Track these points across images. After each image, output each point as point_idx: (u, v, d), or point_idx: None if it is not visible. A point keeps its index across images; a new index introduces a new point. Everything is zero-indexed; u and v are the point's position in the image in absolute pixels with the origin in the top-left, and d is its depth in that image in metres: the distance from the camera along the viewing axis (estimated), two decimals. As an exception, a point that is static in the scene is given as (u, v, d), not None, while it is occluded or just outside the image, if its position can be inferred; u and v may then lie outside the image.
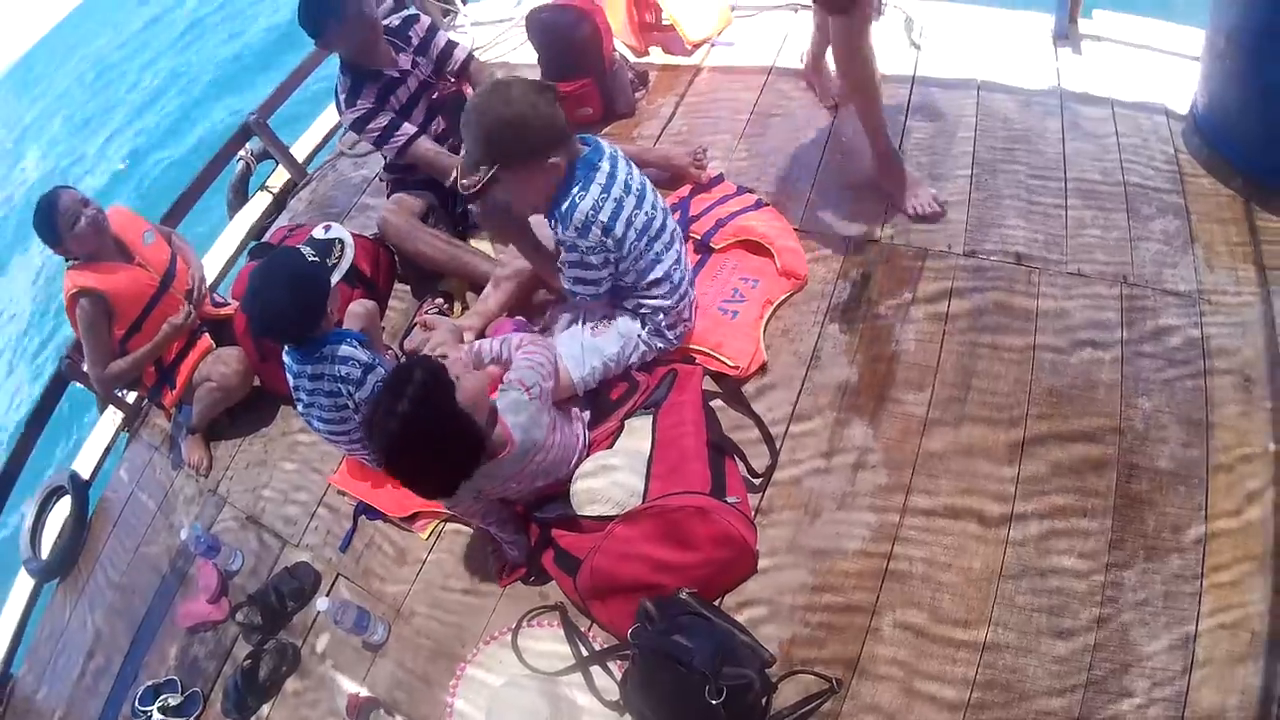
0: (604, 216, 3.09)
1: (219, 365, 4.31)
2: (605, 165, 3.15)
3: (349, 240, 4.16)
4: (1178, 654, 2.47)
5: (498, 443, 2.82)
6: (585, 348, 3.39)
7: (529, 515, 3.30)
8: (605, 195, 3.10)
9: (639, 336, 3.45)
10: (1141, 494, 2.80)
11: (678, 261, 3.40)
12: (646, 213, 3.22)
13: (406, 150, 4.50)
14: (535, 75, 4.89)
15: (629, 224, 3.16)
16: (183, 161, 14.81)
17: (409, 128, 4.45)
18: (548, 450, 3.06)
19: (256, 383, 4.49)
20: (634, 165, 3.32)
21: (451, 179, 3.82)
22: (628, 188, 3.18)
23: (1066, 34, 4.51)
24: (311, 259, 3.42)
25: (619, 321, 3.44)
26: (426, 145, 4.50)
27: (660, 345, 3.52)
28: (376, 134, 4.46)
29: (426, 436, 2.60)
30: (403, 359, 3.98)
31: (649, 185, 3.33)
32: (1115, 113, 4.05)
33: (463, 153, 3.27)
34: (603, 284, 3.30)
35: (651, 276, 3.32)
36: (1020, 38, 4.62)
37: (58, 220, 3.98)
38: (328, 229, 4.25)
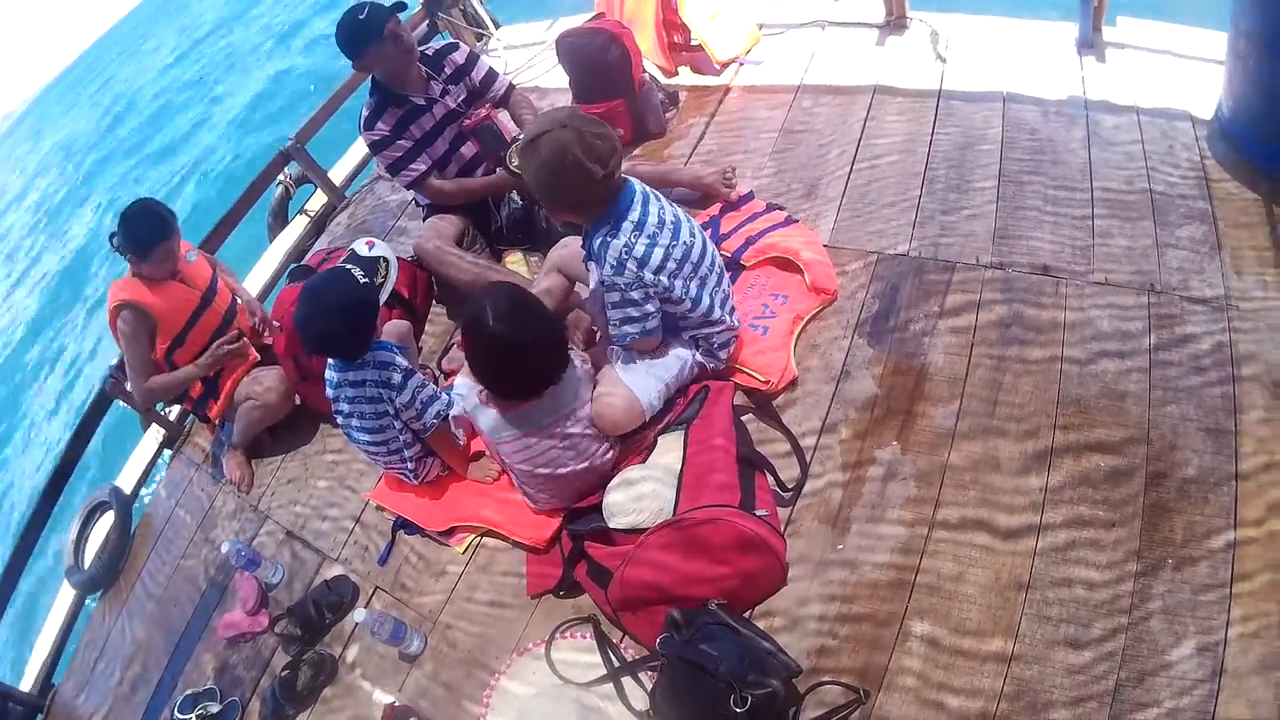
0: (638, 254, 3.13)
1: (258, 385, 4.39)
2: (637, 204, 3.19)
3: (393, 258, 4.23)
4: (1203, 662, 2.45)
5: None
6: (648, 371, 3.43)
7: (563, 528, 3.38)
8: (638, 234, 3.14)
9: (693, 357, 3.50)
10: (1167, 502, 2.78)
11: (719, 283, 3.44)
12: (684, 243, 3.24)
13: (417, 185, 4.62)
14: (568, 98, 4.98)
15: (667, 256, 3.18)
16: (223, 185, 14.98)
17: (422, 163, 4.55)
18: (583, 418, 3.30)
19: (298, 402, 4.57)
20: (664, 199, 3.34)
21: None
22: (660, 223, 3.20)
23: (1091, 42, 4.50)
24: (362, 279, 3.48)
25: (674, 347, 3.48)
26: (435, 182, 4.60)
27: (712, 365, 3.57)
28: (389, 162, 4.57)
29: (538, 329, 3.10)
30: (440, 378, 4.04)
31: (682, 215, 3.35)
32: (1140, 120, 4.05)
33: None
34: (649, 320, 3.30)
35: (703, 305, 3.35)
36: (1045, 47, 4.63)
37: (155, 243, 4.10)
38: (371, 246, 4.31)
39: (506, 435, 3.28)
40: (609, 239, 3.15)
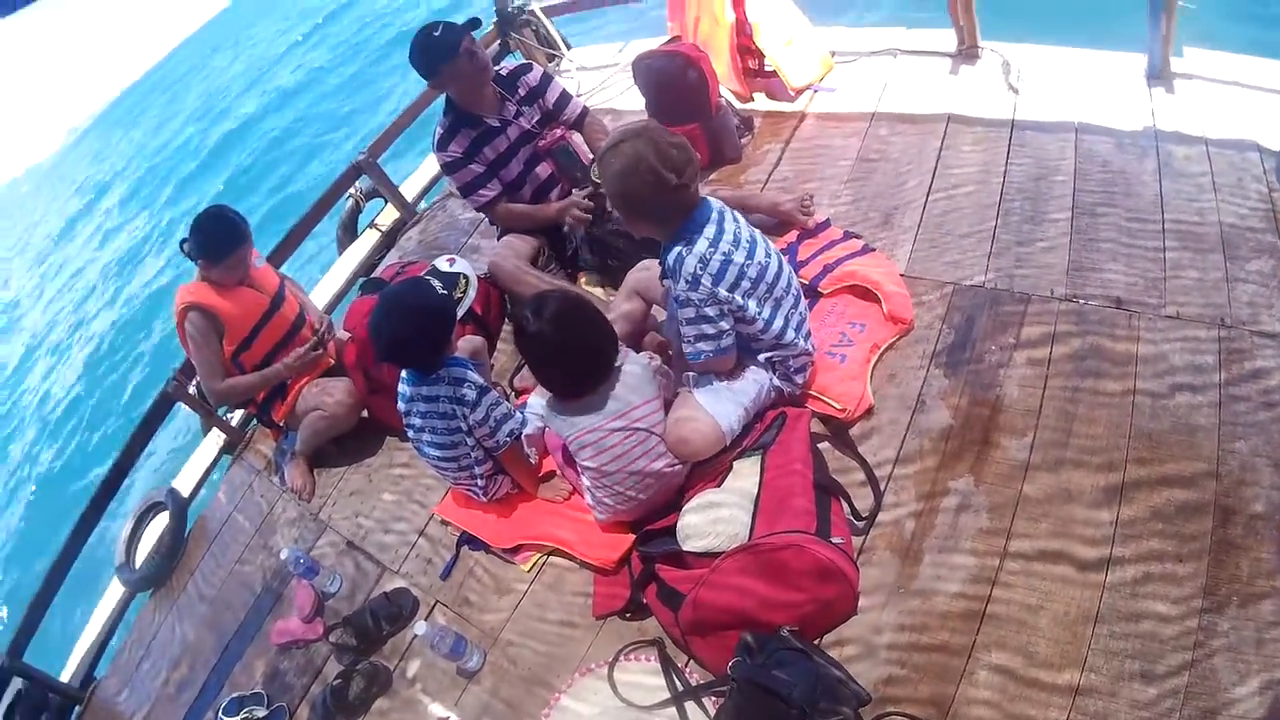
0: (713, 269, 3.13)
1: (327, 395, 4.40)
2: (713, 221, 3.19)
3: (473, 276, 4.23)
4: (1266, 699, 2.42)
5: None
6: (726, 396, 3.39)
7: (634, 550, 3.37)
8: (713, 249, 3.13)
9: (770, 380, 3.47)
10: (1236, 539, 2.76)
11: (796, 305, 3.42)
12: (760, 262, 3.23)
13: (488, 209, 4.68)
14: (642, 120, 5.01)
15: (741, 275, 3.17)
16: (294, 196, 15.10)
17: (493, 187, 4.59)
18: (647, 415, 3.32)
19: (365, 414, 4.57)
20: (741, 219, 3.34)
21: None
22: (736, 241, 3.19)
23: (1159, 73, 4.48)
24: (441, 291, 3.49)
25: (750, 370, 3.44)
26: (505, 207, 4.65)
27: (788, 390, 3.54)
28: (461, 184, 4.60)
29: (580, 324, 3.22)
30: (512, 395, 4.04)
31: (759, 236, 3.34)
32: (1209, 151, 4.02)
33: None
34: (724, 338, 3.28)
35: (776, 326, 3.33)
36: (1114, 78, 4.61)
37: (229, 250, 4.20)
38: (452, 262, 4.32)
39: (573, 432, 3.28)
40: (684, 254, 3.15)
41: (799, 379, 3.53)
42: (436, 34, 4.25)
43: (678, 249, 3.18)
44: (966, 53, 5.12)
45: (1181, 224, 3.76)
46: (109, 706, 4.32)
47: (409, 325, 3.42)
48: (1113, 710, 2.52)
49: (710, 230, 3.15)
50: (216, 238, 4.16)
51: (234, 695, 3.76)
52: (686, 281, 3.15)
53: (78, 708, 4.43)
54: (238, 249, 4.17)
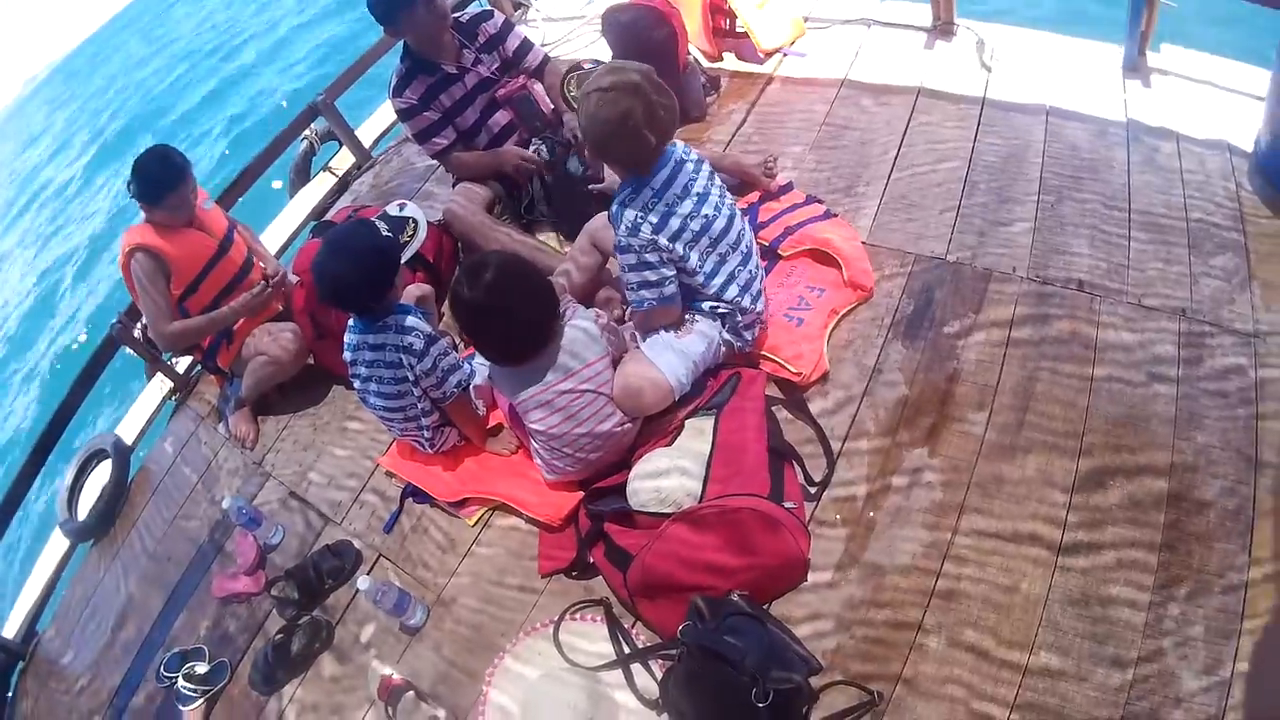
0: (653, 218, 3.13)
1: (272, 340, 4.31)
2: (665, 172, 3.17)
3: (423, 220, 4.15)
4: (1214, 695, 2.44)
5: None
6: (674, 349, 3.37)
7: (582, 507, 3.33)
8: (656, 199, 3.14)
9: (720, 334, 3.44)
10: (1190, 529, 2.77)
11: (745, 262, 3.38)
12: (706, 215, 3.22)
13: (442, 156, 4.62)
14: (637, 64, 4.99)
15: (684, 226, 3.17)
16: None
17: (447, 136, 4.53)
18: (594, 376, 3.27)
19: (310, 361, 4.49)
20: (705, 168, 3.32)
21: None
22: (686, 191, 3.19)
23: (1136, 66, 4.48)
24: (385, 233, 3.42)
25: (700, 323, 3.42)
26: (459, 156, 4.59)
27: (738, 345, 3.51)
28: (416, 131, 4.54)
29: (515, 291, 3.12)
30: (460, 346, 3.98)
31: (717, 189, 3.32)
32: (1180, 146, 4.02)
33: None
34: (666, 285, 3.26)
35: (720, 277, 3.31)
36: (1090, 66, 4.60)
37: (167, 189, 4.07)
38: (402, 207, 4.25)
39: (519, 395, 3.25)
40: (627, 202, 3.16)
41: (748, 335, 3.50)
42: None
43: (623, 195, 3.19)
44: (941, 28, 5.08)
45: (1149, 215, 3.76)
46: (52, 662, 4.24)
47: (350, 266, 3.35)
48: (1064, 690, 2.54)
49: (660, 180, 3.15)
50: (154, 177, 4.04)
51: (176, 650, 3.70)
52: (627, 228, 3.16)
53: (20, 663, 4.34)
54: (176, 189, 4.06)
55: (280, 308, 4.57)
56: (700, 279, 3.28)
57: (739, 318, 3.42)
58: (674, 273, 3.25)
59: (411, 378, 3.47)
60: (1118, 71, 4.51)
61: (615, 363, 3.39)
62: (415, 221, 4.09)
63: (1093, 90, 4.43)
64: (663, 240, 3.14)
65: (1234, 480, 2.85)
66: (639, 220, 3.13)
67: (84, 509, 4.73)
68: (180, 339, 4.34)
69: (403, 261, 3.48)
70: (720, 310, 3.40)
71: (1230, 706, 2.40)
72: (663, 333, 3.41)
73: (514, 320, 3.13)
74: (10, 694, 4.25)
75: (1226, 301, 3.35)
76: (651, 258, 3.19)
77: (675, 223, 3.15)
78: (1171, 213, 3.74)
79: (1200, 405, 3.07)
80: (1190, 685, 2.46)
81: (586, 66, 3.71)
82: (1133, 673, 2.51)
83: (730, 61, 5.42)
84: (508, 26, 4.66)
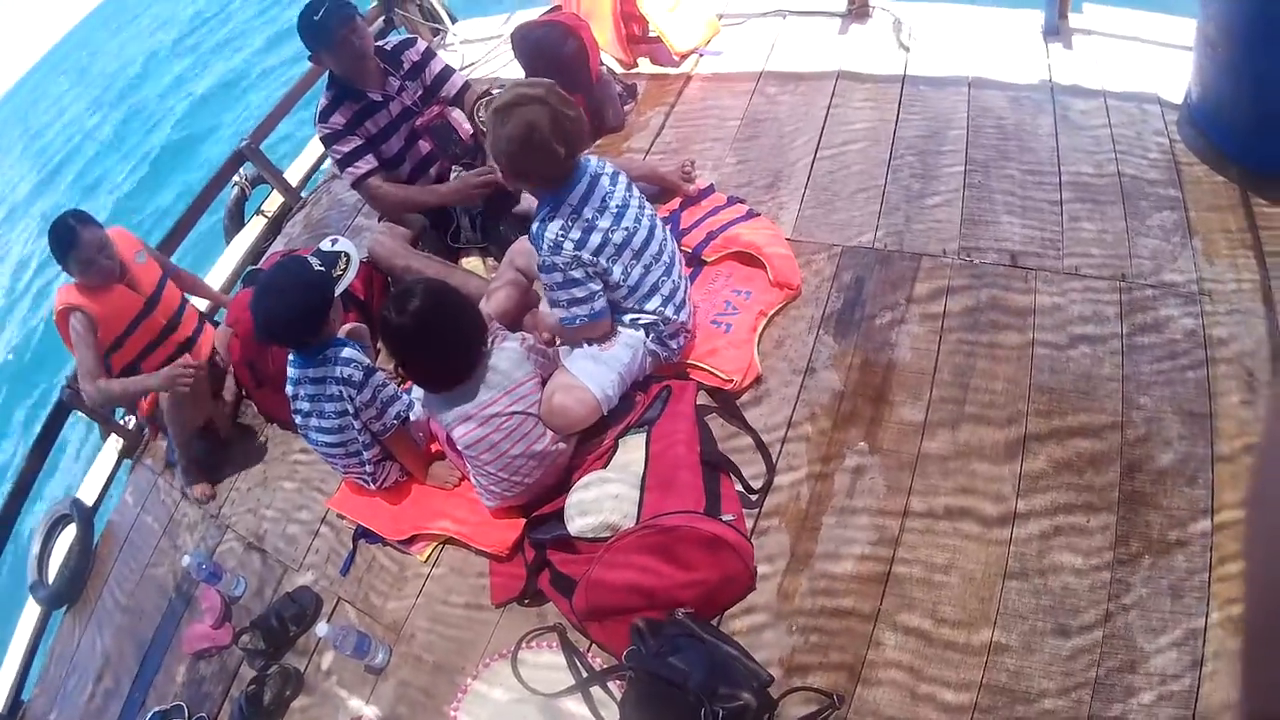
0: (574, 235, 3.14)
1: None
2: (581, 187, 3.18)
3: (354, 253, 4.14)
4: (1186, 650, 2.44)
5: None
6: (599, 362, 3.38)
7: (525, 536, 3.35)
8: (575, 216, 3.15)
9: (645, 344, 3.45)
10: (1144, 491, 2.77)
11: (668, 273, 3.39)
12: (627, 228, 3.23)
13: (360, 183, 4.57)
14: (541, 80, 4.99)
15: (605, 241, 3.18)
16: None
17: (368, 162, 4.50)
18: (523, 397, 3.29)
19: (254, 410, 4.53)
20: (622, 180, 3.32)
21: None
22: (604, 207, 3.20)
23: (1057, 29, 4.50)
24: (318, 268, 3.44)
25: (623, 334, 3.43)
26: (378, 184, 4.56)
27: (664, 354, 3.52)
28: (339, 157, 4.52)
29: (442, 316, 3.15)
30: (399, 380, 3.99)
31: (636, 201, 3.33)
32: (1108, 105, 4.04)
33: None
34: (595, 300, 3.28)
35: (643, 289, 3.33)
36: (1010, 35, 4.62)
37: (71, 257, 4.16)
38: (334, 242, 4.25)
39: (451, 419, 3.27)
40: (547, 220, 3.18)
41: (674, 344, 3.52)
42: (317, 17, 4.17)
43: (542, 214, 3.20)
44: (857, 12, 5.10)
45: (1080, 177, 3.78)
46: (40, 728, 4.24)
47: (285, 301, 3.40)
48: (1027, 666, 2.54)
49: (577, 195, 3.17)
50: (54, 244, 4.20)
51: (156, 710, 3.70)
52: (549, 247, 3.17)
53: None
54: (70, 252, 4.16)
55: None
56: (624, 292, 3.30)
57: (663, 327, 3.43)
58: (601, 287, 3.27)
59: (351, 410, 3.49)
60: (1039, 37, 4.54)
61: (544, 383, 3.41)
62: (347, 255, 4.08)
63: (1015, 58, 4.46)
64: (585, 255, 3.16)
65: (1185, 438, 2.86)
66: (560, 238, 3.14)
67: (54, 574, 4.73)
68: (99, 398, 4.37)
69: (336, 293, 3.48)
70: (643, 321, 3.41)
71: (1207, 657, 2.41)
72: (585, 345, 3.43)
73: (442, 344, 3.16)
74: (3, 765, 4.24)
75: (1166, 258, 3.37)
76: (577, 274, 3.20)
77: (596, 238, 3.16)
78: (1103, 173, 3.76)
79: (1145, 368, 3.08)
80: (1156, 644, 2.47)
81: (495, 92, 3.72)
82: (1099, 639, 2.52)
83: (645, 66, 5.43)
84: (429, 54, 4.66)
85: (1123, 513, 2.74)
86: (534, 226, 3.24)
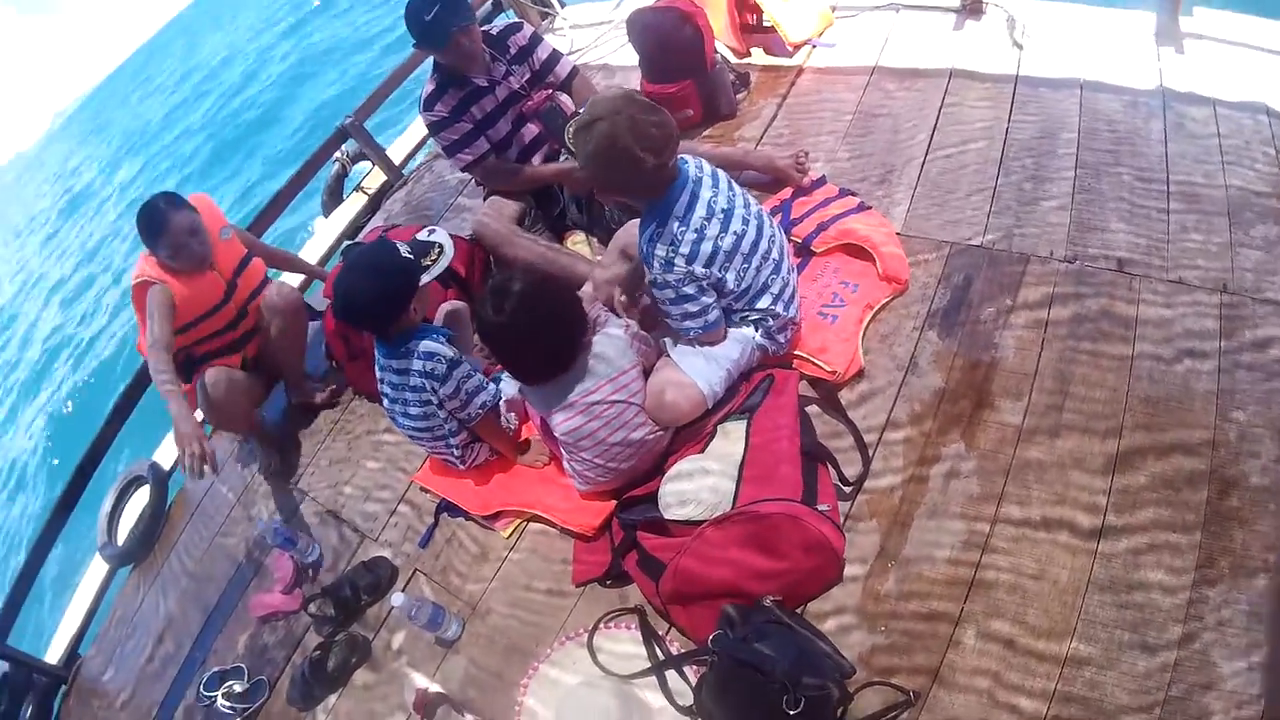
0: (684, 250, 3.04)
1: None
2: (686, 193, 3.07)
3: (449, 246, 4.08)
4: (1257, 676, 2.37)
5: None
6: (708, 359, 3.31)
7: (614, 517, 3.30)
8: (683, 228, 3.04)
9: (754, 340, 3.37)
10: (1233, 510, 2.69)
11: (777, 270, 3.30)
12: (735, 232, 3.12)
13: (473, 168, 4.57)
14: (636, 78, 4.99)
15: (716, 250, 3.08)
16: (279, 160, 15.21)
17: (479, 146, 4.48)
18: (625, 386, 3.21)
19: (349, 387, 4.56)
20: (722, 181, 3.22)
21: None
22: (710, 214, 3.09)
23: (1168, 32, 4.38)
24: (406, 255, 3.39)
25: (733, 331, 3.36)
26: (491, 166, 4.55)
27: (773, 348, 3.44)
28: (447, 144, 4.50)
29: (540, 314, 3.06)
30: (491, 361, 3.95)
31: (740, 199, 3.22)
32: (1217, 113, 3.92)
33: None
34: (710, 312, 3.20)
35: (754, 289, 3.24)
36: (1122, 36, 4.49)
37: (161, 241, 4.01)
38: (431, 232, 4.21)
39: (548, 409, 3.22)
40: (655, 238, 3.08)
41: (782, 338, 3.42)
42: (428, 18, 4.13)
43: (649, 233, 3.11)
44: (971, 8, 4.97)
45: (1187, 186, 3.65)
46: (93, 685, 4.27)
47: (365, 284, 3.36)
48: (1103, 681, 2.48)
49: (681, 206, 3.06)
50: (142, 229, 4.05)
51: (215, 670, 3.71)
52: (661, 265, 3.08)
53: (63, 687, 4.37)
54: (158, 238, 4.01)
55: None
56: (735, 295, 3.22)
57: (772, 322, 3.35)
58: (714, 298, 3.19)
59: (435, 400, 3.45)
60: (1151, 40, 4.41)
61: (646, 372, 3.34)
62: (440, 247, 4.03)
63: (1126, 61, 4.34)
64: (698, 269, 3.07)
65: (1275, 458, 2.76)
66: (671, 254, 3.05)
67: (123, 534, 4.77)
68: (154, 370, 4.04)
69: (422, 284, 3.42)
70: (753, 318, 3.34)
71: (1270, 689, 2.34)
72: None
73: (541, 341, 3.09)
74: (54, 717, 4.29)
75: (1269, 273, 3.26)
76: (690, 289, 3.12)
77: (707, 248, 3.06)
78: (1211, 183, 3.64)
79: (1241, 382, 2.98)
80: (1229, 668, 2.40)
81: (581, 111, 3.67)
82: (1176, 658, 2.45)
83: (759, 57, 5.35)
84: (536, 38, 4.62)
85: (1208, 532, 2.66)
86: (642, 246, 3.17)
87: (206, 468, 3.50)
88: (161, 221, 3.98)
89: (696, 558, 2.80)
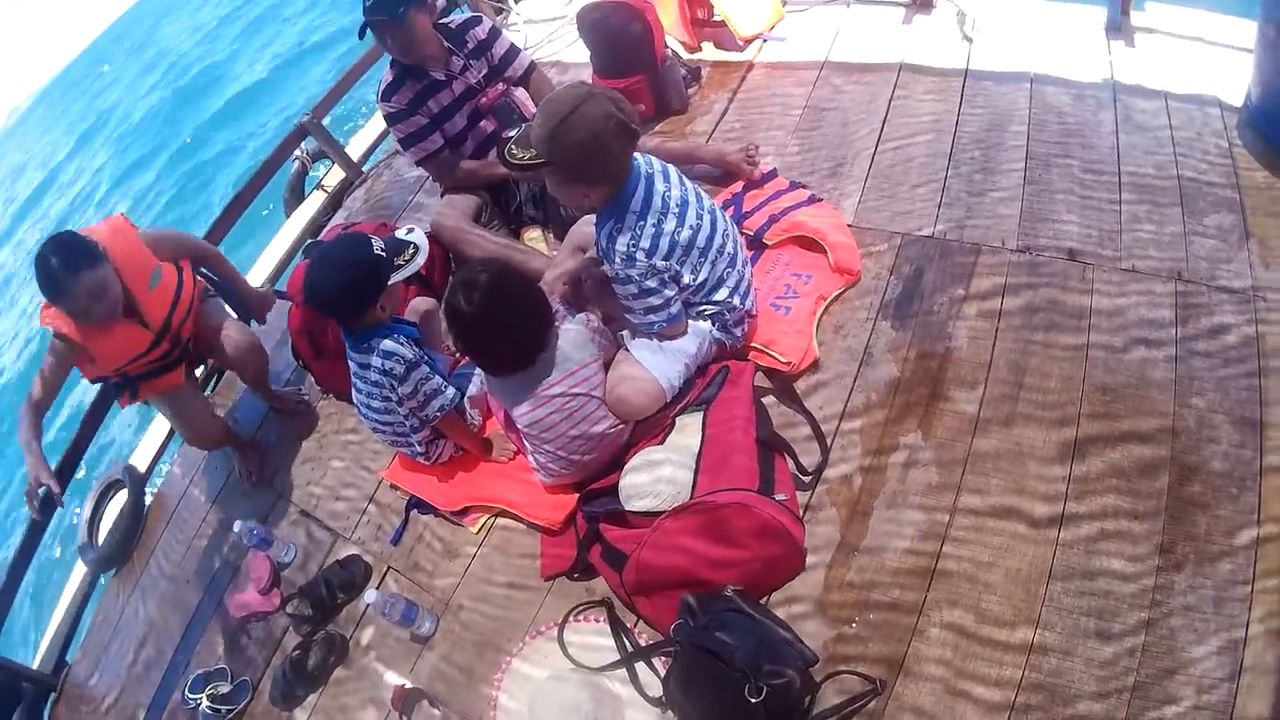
0: (644, 244, 3.08)
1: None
2: (640, 189, 3.10)
3: (424, 246, 4.11)
4: (1225, 660, 2.41)
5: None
6: (666, 353, 3.36)
7: (578, 510, 3.34)
8: (641, 223, 3.08)
9: (711, 333, 3.43)
10: (1193, 496, 2.73)
11: (732, 264, 3.36)
12: (691, 226, 3.17)
13: (428, 163, 4.60)
14: (589, 73, 4.99)
15: (673, 244, 3.12)
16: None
17: (434, 141, 4.51)
18: (585, 379, 3.28)
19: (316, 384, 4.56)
20: (674, 176, 3.26)
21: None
22: (665, 208, 3.12)
23: (1119, 26, 4.44)
24: (379, 251, 3.43)
25: (690, 325, 3.41)
26: (445, 159, 4.58)
27: (729, 341, 3.50)
28: (403, 135, 4.52)
29: (510, 305, 3.11)
30: (458, 357, 4.01)
31: (693, 193, 3.26)
32: (1169, 105, 3.98)
33: (523, 129, 3.14)
34: (671, 305, 3.24)
35: (710, 283, 3.30)
36: (1072, 31, 4.56)
37: (59, 303, 3.62)
38: (410, 231, 4.25)
39: (511, 400, 3.28)
40: (614, 233, 3.11)
41: (738, 331, 3.49)
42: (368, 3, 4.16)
43: (607, 228, 3.14)
44: (920, 2, 5.04)
45: (1139, 177, 3.72)
46: (82, 691, 4.30)
47: (336, 274, 3.36)
48: (1068, 669, 2.52)
49: (638, 201, 3.09)
50: (40, 284, 3.57)
51: (199, 672, 3.76)
52: (621, 260, 3.11)
53: (52, 694, 4.40)
54: (55, 302, 3.61)
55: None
56: (692, 288, 3.27)
57: (728, 316, 3.41)
58: (675, 291, 3.23)
59: (395, 398, 3.50)
60: (1101, 34, 4.48)
61: (606, 365, 3.40)
62: (416, 247, 4.08)
63: (1077, 54, 4.40)
64: (659, 262, 3.11)
65: (1235, 443, 2.82)
66: (632, 249, 3.08)
67: (103, 539, 4.79)
68: (20, 424, 3.81)
69: (391, 283, 3.46)
70: (709, 311, 3.39)
71: (1245, 668, 2.39)
72: (648, 336, 3.41)
73: (510, 331, 3.13)
74: (44, 725, 4.31)
75: (1224, 261, 3.31)
76: (652, 283, 3.16)
77: (664, 242, 3.10)
78: (1161, 173, 3.70)
79: (1198, 369, 3.03)
80: (1196, 652, 2.45)
81: (512, 134, 3.59)
82: (1140, 644, 2.50)
83: (710, 51, 5.40)
84: (495, 33, 4.62)
85: (1170, 518, 2.71)
86: (601, 242, 3.19)
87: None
88: (55, 286, 3.52)
89: (656, 549, 2.85)
